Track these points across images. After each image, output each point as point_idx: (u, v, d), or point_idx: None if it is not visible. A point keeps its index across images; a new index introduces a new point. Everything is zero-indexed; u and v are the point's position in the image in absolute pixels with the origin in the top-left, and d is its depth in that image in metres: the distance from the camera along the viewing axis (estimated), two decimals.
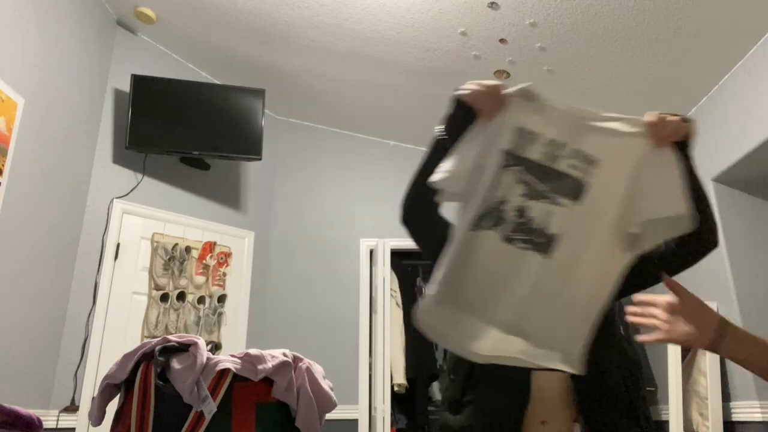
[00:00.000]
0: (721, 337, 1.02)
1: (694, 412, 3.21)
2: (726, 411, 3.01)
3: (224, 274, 3.51)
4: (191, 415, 1.23)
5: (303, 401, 1.32)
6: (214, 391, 1.26)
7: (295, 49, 3.38)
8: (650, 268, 1.35)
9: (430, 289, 1.26)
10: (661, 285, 1.35)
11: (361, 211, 4.12)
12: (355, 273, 3.99)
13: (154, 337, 3.10)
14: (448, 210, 1.36)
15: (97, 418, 1.35)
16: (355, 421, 3.64)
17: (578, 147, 1.28)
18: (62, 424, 2.68)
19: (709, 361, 3.09)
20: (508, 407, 1.29)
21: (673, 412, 3.37)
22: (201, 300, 3.34)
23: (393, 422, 3.93)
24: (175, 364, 1.27)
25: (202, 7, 3.09)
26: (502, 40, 3.09)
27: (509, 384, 1.29)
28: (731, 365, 3.07)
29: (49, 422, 2.61)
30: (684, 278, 3.76)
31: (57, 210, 2.74)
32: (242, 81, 3.63)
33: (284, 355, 1.37)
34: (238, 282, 3.59)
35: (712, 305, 3.18)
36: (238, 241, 3.67)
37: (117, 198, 3.12)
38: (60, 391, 2.72)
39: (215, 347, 3.27)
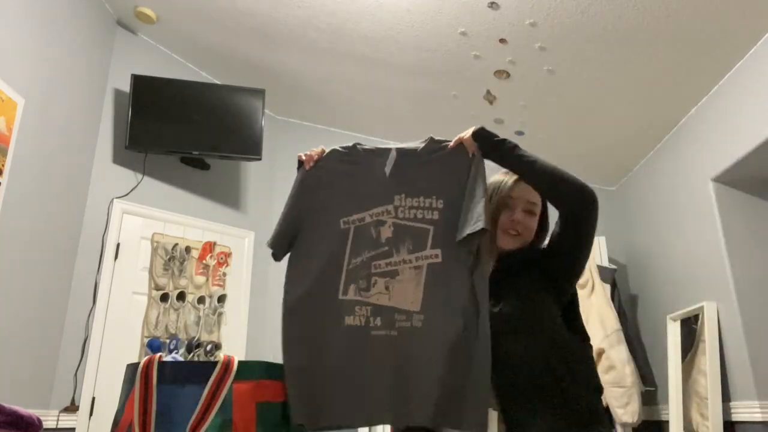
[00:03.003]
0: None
1: (694, 412, 3.21)
2: (726, 411, 3.01)
3: (224, 274, 3.51)
4: (196, 411, 1.23)
5: None
6: (218, 387, 1.26)
7: (295, 49, 3.38)
8: (558, 256, 1.45)
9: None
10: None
11: None
12: None
13: (155, 337, 3.10)
14: None
15: None
16: None
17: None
18: (62, 424, 2.68)
19: (709, 361, 3.09)
20: None
21: (673, 412, 3.37)
22: (201, 300, 3.34)
23: None
24: None
25: (202, 7, 3.09)
26: (502, 40, 3.09)
27: None
28: (731, 365, 3.07)
29: (49, 422, 2.61)
30: (684, 278, 3.77)
31: (57, 210, 2.74)
32: (242, 81, 3.63)
33: None
34: (238, 282, 3.59)
35: (712, 305, 3.19)
36: (238, 241, 3.67)
37: (117, 198, 3.12)
38: (60, 391, 2.72)
39: (215, 347, 3.28)
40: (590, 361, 1.44)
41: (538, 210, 1.56)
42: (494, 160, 1.47)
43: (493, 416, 1.38)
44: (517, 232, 1.52)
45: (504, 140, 1.46)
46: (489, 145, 1.46)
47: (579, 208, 1.39)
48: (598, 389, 1.40)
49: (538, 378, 1.35)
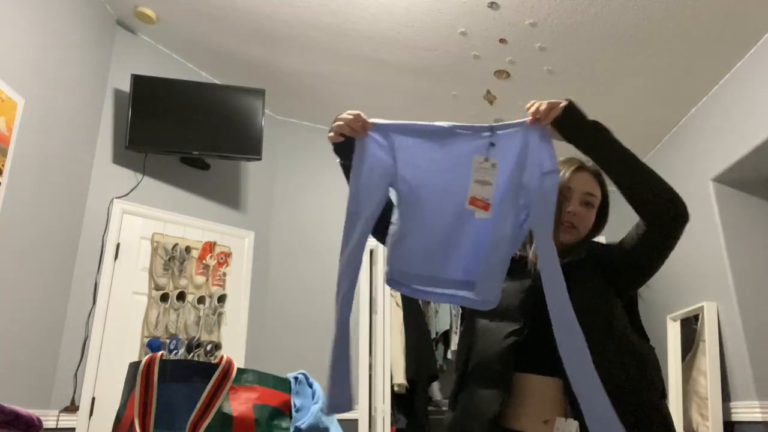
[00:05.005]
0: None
1: (694, 412, 3.21)
2: (726, 411, 3.01)
3: (224, 274, 3.51)
4: (195, 409, 1.24)
5: None
6: (219, 386, 1.27)
7: (295, 49, 3.38)
8: (631, 265, 1.38)
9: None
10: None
11: None
12: None
13: (155, 337, 3.10)
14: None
15: None
16: (355, 421, 3.64)
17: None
18: (62, 424, 2.67)
19: (709, 361, 3.09)
20: (487, 400, 1.32)
21: (673, 413, 3.37)
22: (201, 300, 3.34)
23: (393, 422, 3.94)
24: None
25: (202, 7, 3.09)
26: (502, 40, 3.09)
27: (491, 380, 1.34)
28: (731, 365, 3.07)
29: (49, 422, 2.61)
30: (684, 278, 3.77)
31: (57, 210, 2.73)
32: (242, 81, 3.63)
33: None
34: (238, 282, 3.59)
35: (712, 305, 3.19)
36: (238, 241, 3.67)
37: (117, 198, 3.12)
38: (60, 391, 2.72)
39: (215, 347, 3.28)
40: (659, 365, 1.34)
41: (597, 203, 1.45)
42: (578, 143, 1.28)
43: (573, 426, 1.23)
44: (572, 224, 1.40)
45: (597, 122, 1.27)
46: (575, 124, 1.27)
47: (669, 222, 1.27)
48: (666, 395, 1.32)
49: (614, 386, 1.20)
